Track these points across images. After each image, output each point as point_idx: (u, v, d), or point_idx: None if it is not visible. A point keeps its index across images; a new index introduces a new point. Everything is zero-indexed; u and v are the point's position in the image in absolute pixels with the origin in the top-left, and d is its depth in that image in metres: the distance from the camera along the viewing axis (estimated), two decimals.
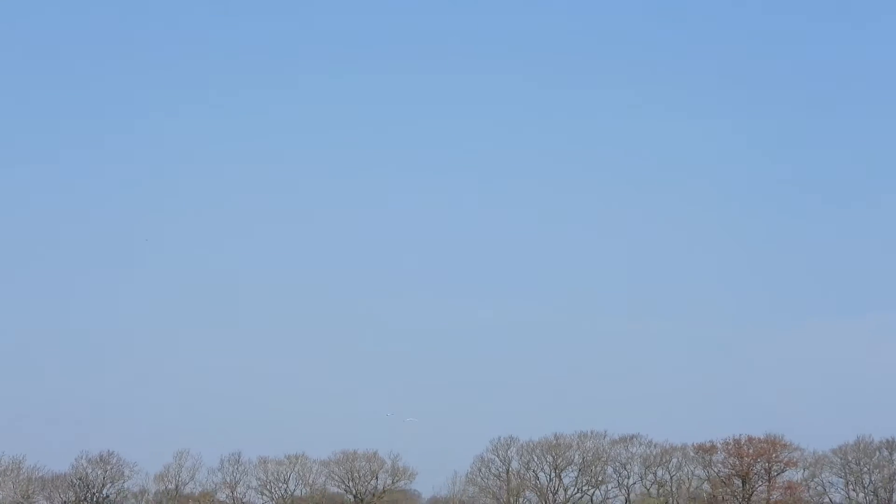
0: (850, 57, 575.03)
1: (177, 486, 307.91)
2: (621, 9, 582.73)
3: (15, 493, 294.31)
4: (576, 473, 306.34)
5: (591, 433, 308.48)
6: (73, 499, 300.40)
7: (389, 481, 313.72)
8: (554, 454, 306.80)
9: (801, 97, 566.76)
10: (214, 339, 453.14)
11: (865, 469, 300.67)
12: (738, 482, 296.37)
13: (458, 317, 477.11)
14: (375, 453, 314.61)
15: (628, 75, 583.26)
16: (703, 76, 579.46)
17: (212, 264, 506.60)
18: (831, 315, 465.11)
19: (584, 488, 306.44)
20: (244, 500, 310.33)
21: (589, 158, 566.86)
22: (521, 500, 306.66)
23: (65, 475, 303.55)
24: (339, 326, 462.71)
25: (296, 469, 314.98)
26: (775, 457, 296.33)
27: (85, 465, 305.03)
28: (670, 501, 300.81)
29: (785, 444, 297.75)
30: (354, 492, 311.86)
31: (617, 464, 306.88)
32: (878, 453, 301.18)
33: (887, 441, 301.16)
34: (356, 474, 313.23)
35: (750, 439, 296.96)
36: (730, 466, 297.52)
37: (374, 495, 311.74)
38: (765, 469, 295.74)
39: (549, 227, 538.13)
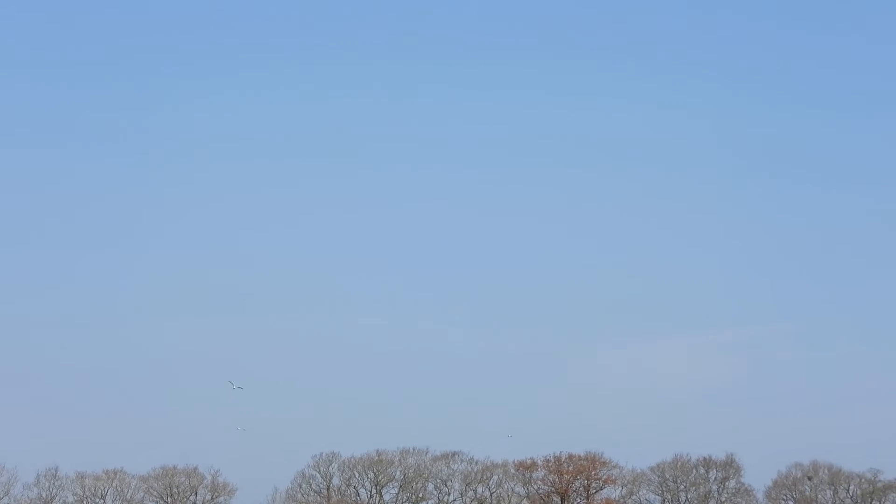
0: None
1: None
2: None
3: None
4: (396, 490, 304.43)
5: (414, 449, 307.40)
6: None
7: (209, 497, 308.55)
8: (375, 470, 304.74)
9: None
10: None
11: (682, 486, 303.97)
12: (556, 499, 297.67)
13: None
14: (195, 468, 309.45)
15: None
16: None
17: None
18: (652, 334, 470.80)
19: None
20: None
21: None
22: None
23: None
24: None
25: (113, 484, 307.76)
26: (594, 474, 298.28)
27: None
28: None
29: (604, 462, 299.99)
30: None
31: (438, 480, 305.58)
32: (694, 471, 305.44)
33: (704, 459, 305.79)
34: (175, 490, 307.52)
35: (570, 456, 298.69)
36: (549, 483, 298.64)
37: None
38: (584, 486, 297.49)
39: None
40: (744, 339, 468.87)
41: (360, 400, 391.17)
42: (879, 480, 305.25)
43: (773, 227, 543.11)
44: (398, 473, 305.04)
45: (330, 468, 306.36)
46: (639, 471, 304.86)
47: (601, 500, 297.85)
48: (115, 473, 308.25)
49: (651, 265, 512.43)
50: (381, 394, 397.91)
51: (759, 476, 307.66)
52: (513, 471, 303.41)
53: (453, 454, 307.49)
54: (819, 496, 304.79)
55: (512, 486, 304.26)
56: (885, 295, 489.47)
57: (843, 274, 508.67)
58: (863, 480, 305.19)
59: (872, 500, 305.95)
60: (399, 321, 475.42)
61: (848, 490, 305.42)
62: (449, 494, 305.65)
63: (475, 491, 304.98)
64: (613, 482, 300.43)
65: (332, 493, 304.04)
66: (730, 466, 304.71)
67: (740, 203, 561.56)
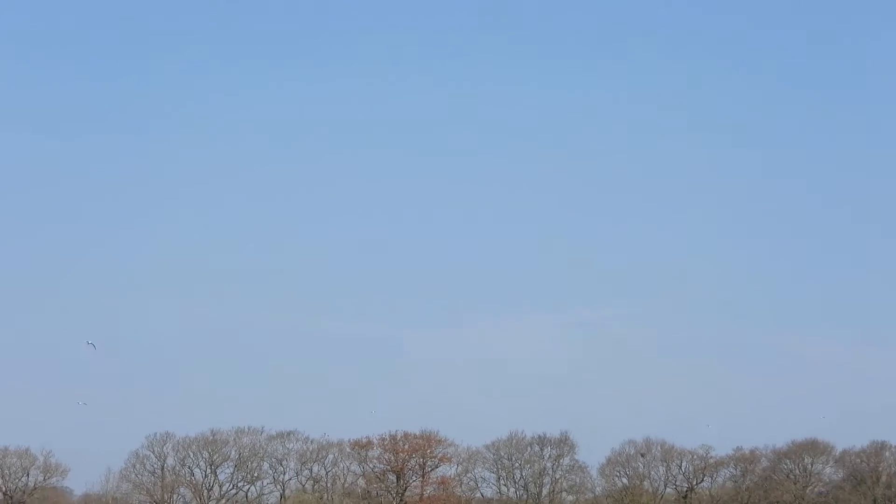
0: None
1: None
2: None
3: None
4: (232, 469, 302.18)
5: (249, 429, 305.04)
6: None
7: (41, 478, 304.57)
8: (210, 450, 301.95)
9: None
10: None
11: (517, 464, 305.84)
12: (392, 478, 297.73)
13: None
14: (27, 449, 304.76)
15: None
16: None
17: None
18: (488, 314, 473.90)
19: (240, 484, 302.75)
20: None
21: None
22: (175, 496, 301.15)
23: None
24: None
25: None
26: (430, 452, 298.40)
27: None
28: (325, 497, 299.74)
29: (440, 440, 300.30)
30: (4, 489, 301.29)
31: (273, 459, 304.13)
32: (529, 449, 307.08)
33: (538, 437, 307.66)
34: (6, 471, 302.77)
35: (406, 435, 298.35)
36: (385, 462, 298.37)
37: (24, 493, 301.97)
38: (419, 464, 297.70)
39: None
40: (578, 319, 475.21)
41: (195, 379, 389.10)
42: (711, 457, 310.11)
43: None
44: (233, 453, 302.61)
45: (164, 448, 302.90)
46: (474, 449, 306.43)
47: (437, 478, 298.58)
48: None
49: (483, 249, 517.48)
50: (215, 373, 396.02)
51: (593, 453, 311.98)
52: (348, 450, 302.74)
53: (289, 433, 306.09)
54: (652, 473, 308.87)
55: (348, 464, 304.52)
56: (715, 277, 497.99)
57: (677, 256, 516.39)
58: (695, 457, 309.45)
59: (704, 476, 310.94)
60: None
61: (680, 466, 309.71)
62: (284, 473, 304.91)
63: (311, 470, 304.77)
64: (449, 460, 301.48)
65: (167, 473, 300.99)
66: (564, 444, 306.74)
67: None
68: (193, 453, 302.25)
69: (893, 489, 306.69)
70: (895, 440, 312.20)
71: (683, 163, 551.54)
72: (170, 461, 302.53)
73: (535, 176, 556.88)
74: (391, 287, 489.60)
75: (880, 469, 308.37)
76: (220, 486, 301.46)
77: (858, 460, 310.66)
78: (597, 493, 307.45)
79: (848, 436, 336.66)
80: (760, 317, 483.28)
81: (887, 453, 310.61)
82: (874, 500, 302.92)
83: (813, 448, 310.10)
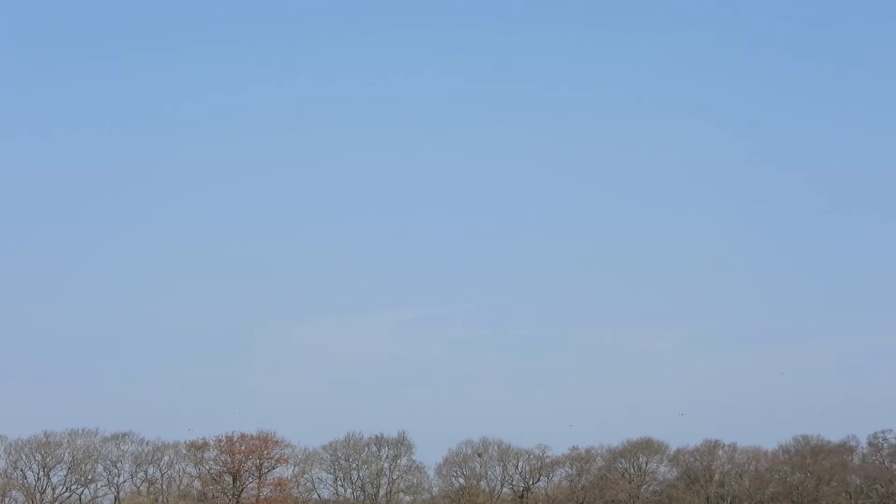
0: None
1: None
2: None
3: None
4: (65, 472, 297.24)
5: (83, 431, 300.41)
6: None
7: None
8: (43, 452, 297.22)
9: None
10: None
11: (354, 465, 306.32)
12: (228, 479, 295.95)
13: None
14: None
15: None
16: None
17: None
18: (332, 311, 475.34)
19: (73, 487, 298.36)
20: None
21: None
22: (7, 500, 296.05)
23: None
24: None
25: None
26: (267, 453, 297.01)
27: None
28: (160, 499, 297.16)
29: (277, 441, 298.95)
30: None
31: (108, 462, 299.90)
32: (366, 449, 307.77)
33: (376, 437, 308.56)
34: None
35: (243, 436, 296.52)
36: (221, 463, 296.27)
37: None
38: (256, 466, 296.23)
39: None
40: (420, 316, 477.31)
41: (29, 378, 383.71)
42: (547, 456, 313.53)
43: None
44: (66, 455, 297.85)
45: None
46: (311, 449, 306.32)
47: (273, 479, 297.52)
48: None
49: (328, 247, 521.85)
50: (49, 372, 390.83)
51: (430, 453, 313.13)
52: (184, 451, 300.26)
53: (123, 435, 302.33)
54: (489, 472, 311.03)
55: (184, 466, 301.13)
56: (561, 277, 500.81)
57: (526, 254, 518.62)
58: (531, 456, 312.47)
59: (540, 475, 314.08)
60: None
61: (517, 466, 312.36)
62: (119, 476, 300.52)
63: (146, 472, 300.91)
64: (286, 461, 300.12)
65: None
66: (401, 444, 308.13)
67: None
68: (26, 455, 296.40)
69: (726, 487, 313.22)
70: (728, 439, 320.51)
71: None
72: (1, 464, 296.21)
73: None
74: (236, 283, 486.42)
75: (713, 468, 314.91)
76: (54, 489, 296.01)
77: (692, 459, 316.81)
78: (434, 494, 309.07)
79: (683, 435, 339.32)
80: (609, 315, 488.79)
81: (720, 452, 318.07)
82: (707, 499, 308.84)
83: (647, 447, 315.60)
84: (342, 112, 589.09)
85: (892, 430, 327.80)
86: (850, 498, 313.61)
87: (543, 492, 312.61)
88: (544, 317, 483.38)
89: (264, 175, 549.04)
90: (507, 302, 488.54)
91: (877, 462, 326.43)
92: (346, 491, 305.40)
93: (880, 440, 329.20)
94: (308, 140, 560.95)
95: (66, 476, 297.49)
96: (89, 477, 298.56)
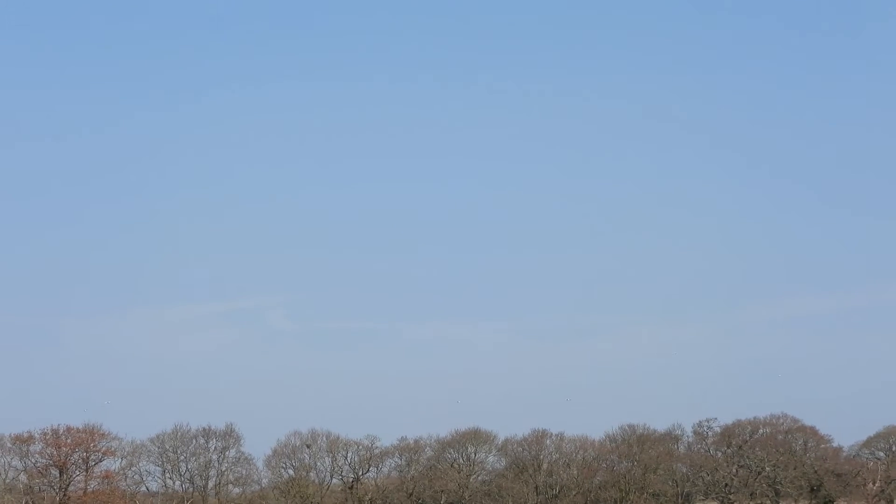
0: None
1: None
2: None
3: None
4: None
5: None
6: None
7: None
8: None
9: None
10: None
11: (182, 457, 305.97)
12: (55, 472, 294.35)
13: None
14: None
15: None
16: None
17: None
18: (154, 305, 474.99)
19: None
20: None
21: None
22: None
23: None
24: None
25: None
26: (93, 446, 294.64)
27: None
28: None
29: (103, 434, 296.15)
30: None
31: None
32: (194, 441, 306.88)
33: (203, 429, 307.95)
34: None
35: (69, 429, 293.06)
36: (47, 457, 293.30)
37: None
38: (83, 459, 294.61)
39: None
40: (237, 309, 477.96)
41: None
42: (376, 447, 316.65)
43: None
44: None
45: None
46: (139, 442, 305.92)
47: (101, 472, 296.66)
48: None
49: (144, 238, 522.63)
50: None
51: (258, 445, 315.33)
52: (9, 444, 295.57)
53: None
54: (318, 463, 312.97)
55: (9, 460, 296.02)
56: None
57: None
58: (360, 447, 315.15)
59: (370, 466, 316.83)
60: None
61: (346, 457, 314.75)
62: None
63: None
64: (113, 454, 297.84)
65: None
66: (229, 436, 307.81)
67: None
68: None
69: (554, 476, 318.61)
70: (555, 428, 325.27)
71: None
72: None
73: None
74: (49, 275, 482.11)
75: (541, 457, 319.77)
76: None
77: (520, 448, 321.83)
78: (263, 485, 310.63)
79: (510, 425, 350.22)
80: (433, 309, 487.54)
81: (548, 441, 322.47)
82: (536, 488, 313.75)
83: (475, 437, 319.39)
84: None
85: (716, 418, 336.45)
86: (677, 485, 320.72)
87: (373, 482, 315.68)
88: (363, 312, 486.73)
89: None
90: (321, 296, 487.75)
91: (702, 450, 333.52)
92: (174, 483, 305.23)
93: (705, 429, 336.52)
94: None
95: None
96: None
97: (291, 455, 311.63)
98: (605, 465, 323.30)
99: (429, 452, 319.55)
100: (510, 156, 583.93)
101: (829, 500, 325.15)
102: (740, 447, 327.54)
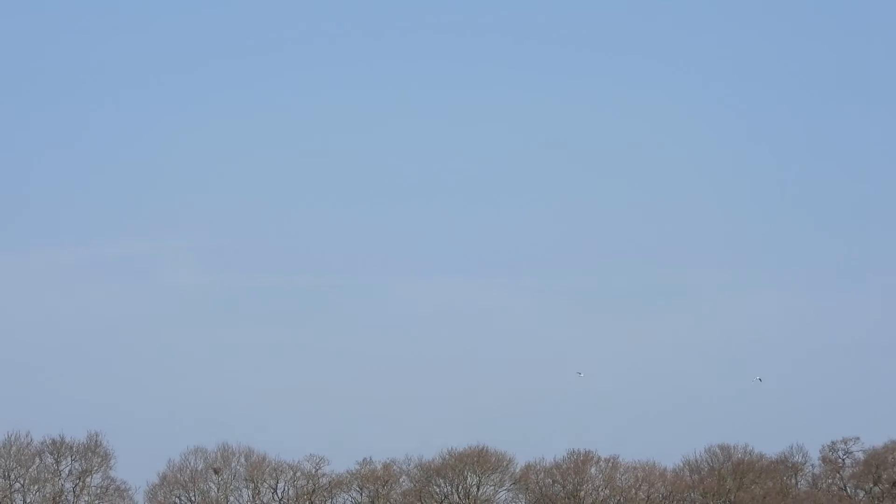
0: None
1: None
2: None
3: None
4: None
5: None
6: None
7: None
8: None
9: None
10: None
11: (19, 484, 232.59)
12: None
13: None
14: None
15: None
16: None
17: None
18: None
19: None
20: None
21: None
22: None
23: None
24: None
25: None
26: None
27: None
28: None
29: None
30: None
31: None
32: (37, 460, 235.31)
33: (53, 441, 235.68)
34: None
35: None
36: None
37: None
38: None
39: None
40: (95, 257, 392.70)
41: None
42: (324, 474, 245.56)
43: None
44: None
45: None
46: None
47: None
48: None
49: None
50: None
51: (137, 468, 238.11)
52: None
53: None
54: (231, 498, 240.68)
55: None
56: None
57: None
58: (299, 474, 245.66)
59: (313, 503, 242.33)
60: None
61: (277, 489, 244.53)
62: None
63: None
64: None
65: None
66: (93, 453, 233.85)
67: None
68: None
69: None
70: (605, 450, 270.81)
71: None
72: None
73: None
74: None
75: (582, 493, 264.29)
76: None
77: (550, 479, 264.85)
78: None
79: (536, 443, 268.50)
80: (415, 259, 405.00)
81: (593, 469, 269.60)
82: None
83: (480, 460, 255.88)
84: None
85: (858, 438, 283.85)
86: None
87: None
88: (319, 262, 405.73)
89: None
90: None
91: (835, 486, 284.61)
92: None
93: (840, 454, 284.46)
94: None
95: None
96: None
97: (190, 484, 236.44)
98: None
99: (406, 484, 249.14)
100: None
101: None
102: (895, 483, 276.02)
